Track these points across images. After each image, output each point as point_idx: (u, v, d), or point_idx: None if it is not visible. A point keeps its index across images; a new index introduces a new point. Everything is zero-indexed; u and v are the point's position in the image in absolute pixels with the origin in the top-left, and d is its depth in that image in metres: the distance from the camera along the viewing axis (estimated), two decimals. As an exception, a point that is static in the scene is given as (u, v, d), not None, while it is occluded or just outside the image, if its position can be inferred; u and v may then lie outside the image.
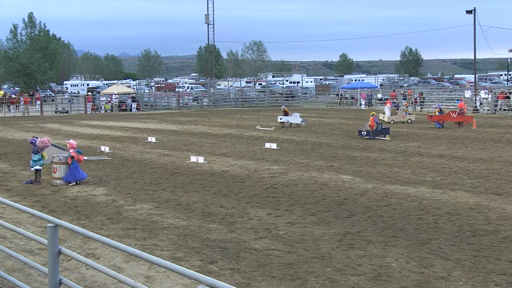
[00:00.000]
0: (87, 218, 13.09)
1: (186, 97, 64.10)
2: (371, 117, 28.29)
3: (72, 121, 42.94)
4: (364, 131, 27.89)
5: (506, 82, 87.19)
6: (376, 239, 11.10)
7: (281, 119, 35.23)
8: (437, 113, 33.95)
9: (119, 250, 6.88)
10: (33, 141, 17.59)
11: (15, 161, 22.06)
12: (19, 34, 73.00)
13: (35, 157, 17.27)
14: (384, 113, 37.82)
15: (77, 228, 6.82)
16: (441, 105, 37.38)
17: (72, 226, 6.94)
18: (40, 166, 17.34)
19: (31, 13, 73.88)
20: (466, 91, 54.19)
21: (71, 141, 17.75)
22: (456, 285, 8.69)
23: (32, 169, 17.45)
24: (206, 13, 68.83)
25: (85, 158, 21.37)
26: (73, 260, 8.92)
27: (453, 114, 33.44)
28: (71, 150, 17.19)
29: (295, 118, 34.89)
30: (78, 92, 75.30)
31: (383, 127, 28.77)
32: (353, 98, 58.32)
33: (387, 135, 28.26)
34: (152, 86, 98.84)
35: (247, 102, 62.66)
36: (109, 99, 55.91)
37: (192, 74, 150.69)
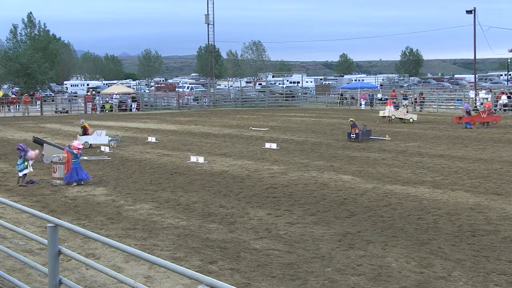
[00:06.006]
0: (87, 218, 13.09)
1: (186, 96, 64.10)
2: (354, 128, 27.42)
3: (72, 121, 42.93)
4: (353, 134, 27.37)
5: (506, 82, 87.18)
6: (376, 239, 11.10)
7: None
8: (464, 115, 34.13)
9: (119, 250, 6.88)
10: (20, 146, 17.40)
11: (15, 161, 21.95)
12: (19, 34, 73.02)
13: (19, 161, 17.15)
14: (384, 111, 38.03)
15: (77, 228, 6.82)
16: (469, 106, 37.30)
17: (72, 226, 6.94)
18: (21, 171, 17.06)
19: (30, 13, 73.92)
20: (470, 91, 54.13)
21: (74, 143, 17.68)
22: (456, 285, 8.68)
23: (20, 174, 17.22)
24: (206, 13, 68.83)
25: (85, 158, 21.39)
26: (73, 260, 8.92)
27: (483, 114, 34.21)
28: (74, 151, 17.17)
29: (98, 138, 25.53)
30: (76, 92, 75.21)
31: (367, 129, 28.16)
32: (353, 98, 58.35)
33: (385, 137, 28.25)
34: (152, 86, 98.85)
35: (247, 102, 62.66)
36: (107, 99, 55.83)
37: (192, 74, 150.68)
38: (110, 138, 25.85)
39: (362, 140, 27.22)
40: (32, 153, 17.34)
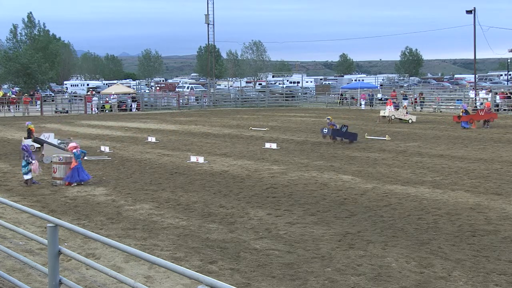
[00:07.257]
0: (87, 218, 13.09)
1: (186, 96, 64.09)
2: (330, 125, 27.12)
3: (72, 121, 42.94)
4: (325, 129, 26.91)
5: (506, 82, 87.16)
6: (376, 239, 11.10)
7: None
8: (461, 114, 34.22)
9: (119, 250, 6.88)
10: (25, 147, 17.36)
11: (15, 161, 22.02)
12: (19, 34, 73.11)
13: (23, 163, 17.12)
14: (384, 111, 38.14)
15: (77, 228, 6.82)
16: (466, 106, 37.52)
17: (72, 226, 6.94)
18: (25, 174, 16.99)
19: (30, 13, 74.05)
20: (470, 91, 54.14)
21: (70, 144, 17.63)
22: (456, 285, 8.69)
23: (25, 177, 17.20)
24: (206, 13, 68.83)
25: (85, 158, 21.36)
26: (73, 260, 8.92)
27: (481, 112, 34.65)
28: (74, 151, 17.14)
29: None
30: (75, 92, 75.14)
31: (347, 130, 27.12)
32: (353, 98, 58.36)
33: (385, 137, 28.23)
34: (152, 86, 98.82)
35: (247, 102, 62.67)
36: (107, 99, 55.80)
37: (192, 74, 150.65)
38: (59, 141, 23.81)
39: (335, 138, 26.69)
40: (35, 167, 17.14)
